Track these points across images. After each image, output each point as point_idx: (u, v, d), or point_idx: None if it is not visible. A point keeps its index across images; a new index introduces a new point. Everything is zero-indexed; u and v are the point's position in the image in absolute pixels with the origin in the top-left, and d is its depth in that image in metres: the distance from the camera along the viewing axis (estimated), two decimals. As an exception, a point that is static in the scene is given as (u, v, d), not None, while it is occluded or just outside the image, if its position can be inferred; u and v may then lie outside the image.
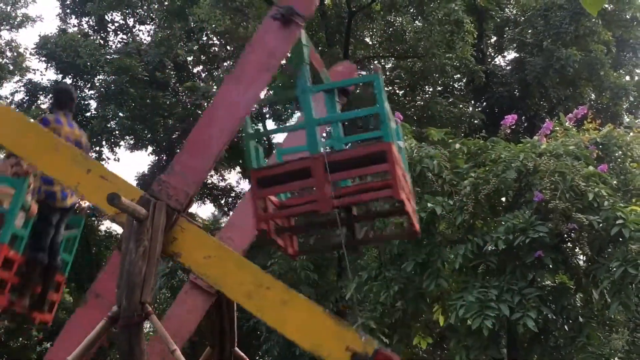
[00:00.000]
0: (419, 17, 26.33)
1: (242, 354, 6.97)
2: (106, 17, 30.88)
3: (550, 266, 10.53)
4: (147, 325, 5.38)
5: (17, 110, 26.50)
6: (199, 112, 28.27)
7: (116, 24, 31.62)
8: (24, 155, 6.14)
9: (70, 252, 8.30)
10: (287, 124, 21.03)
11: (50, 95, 8.77)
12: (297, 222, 6.15)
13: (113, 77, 26.89)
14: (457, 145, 12.11)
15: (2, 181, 6.77)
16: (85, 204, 7.59)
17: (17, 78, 30.60)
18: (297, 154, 5.85)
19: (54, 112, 7.56)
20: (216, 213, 32.09)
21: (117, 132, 28.26)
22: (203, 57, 31.05)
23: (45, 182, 7.17)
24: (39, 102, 28.54)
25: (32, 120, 6.32)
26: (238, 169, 30.37)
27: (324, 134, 6.97)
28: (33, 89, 28.68)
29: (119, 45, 30.54)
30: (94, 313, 5.94)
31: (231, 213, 23.59)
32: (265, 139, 26.91)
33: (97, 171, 5.75)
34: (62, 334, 6.12)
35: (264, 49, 5.84)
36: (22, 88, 28.82)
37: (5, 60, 30.69)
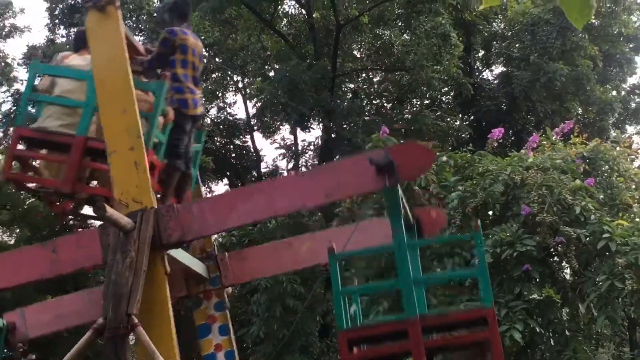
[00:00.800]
0: (407, 30, 26.40)
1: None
2: (95, 28, 30.74)
3: (537, 279, 10.53)
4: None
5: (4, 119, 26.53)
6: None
7: (105, 35, 31.52)
8: (97, 90, 5.96)
9: (194, 166, 7.85)
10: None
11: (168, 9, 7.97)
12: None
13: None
14: (444, 159, 12.11)
15: (137, 85, 6.31)
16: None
17: (4, 88, 30.25)
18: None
19: (175, 24, 7.20)
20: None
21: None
22: (192, 69, 30.99)
23: (176, 91, 6.91)
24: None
25: (129, 71, 6.01)
26: (225, 180, 30.29)
27: None
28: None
29: (107, 56, 30.36)
30: (41, 261, 5.91)
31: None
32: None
33: (137, 156, 5.67)
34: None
35: (338, 178, 5.51)
36: (10, 98, 28.49)
37: (-8, 70, 30.46)
